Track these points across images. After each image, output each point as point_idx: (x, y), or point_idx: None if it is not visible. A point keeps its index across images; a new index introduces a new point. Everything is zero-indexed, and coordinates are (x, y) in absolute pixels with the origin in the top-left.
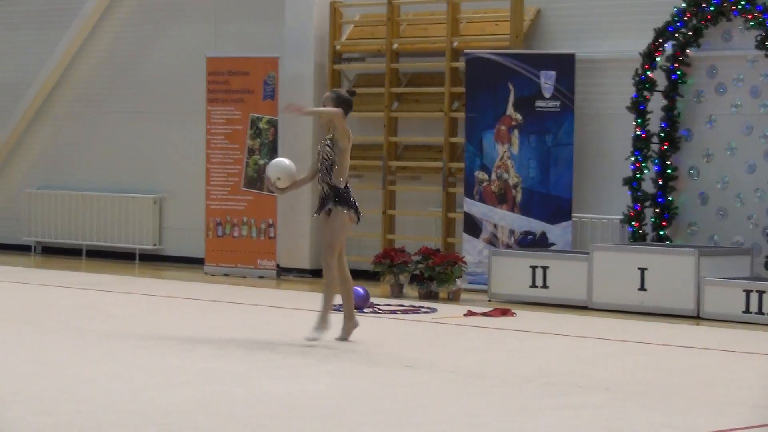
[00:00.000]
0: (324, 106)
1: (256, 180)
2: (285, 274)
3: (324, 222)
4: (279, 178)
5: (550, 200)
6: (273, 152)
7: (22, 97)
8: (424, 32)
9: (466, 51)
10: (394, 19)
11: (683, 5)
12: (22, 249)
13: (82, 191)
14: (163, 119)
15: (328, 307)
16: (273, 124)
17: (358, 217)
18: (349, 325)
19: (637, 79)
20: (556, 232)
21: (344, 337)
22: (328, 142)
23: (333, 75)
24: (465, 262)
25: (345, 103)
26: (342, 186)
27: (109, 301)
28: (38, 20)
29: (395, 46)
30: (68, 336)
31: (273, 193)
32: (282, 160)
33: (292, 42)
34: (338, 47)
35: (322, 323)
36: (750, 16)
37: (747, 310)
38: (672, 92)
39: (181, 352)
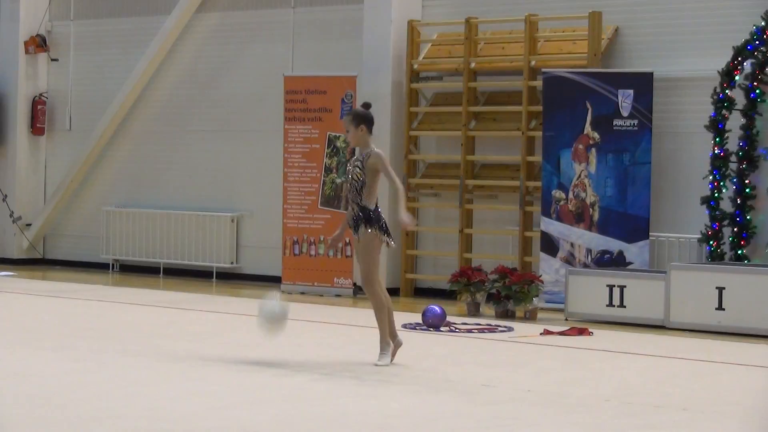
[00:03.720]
0: (346, 131)
1: (333, 198)
2: (362, 292)
3: (357, 245)
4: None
5: (627, 219)
6: None
7: (102, 115)
8: (502, 51)
9: (543, 70)
10: (471, 37)
11: (762, 24)
12: (100, 267)
13: (160, 209)
14: (241, 138)
15: (385, 329)
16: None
17: (389, 241)
18: (394, 346)
19: (715, 97)
20: (634, 251)
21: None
22: (359, 163)
23: (410, 93)
24: (542, 281)
25: (365, 119)
26: (372, 207)
27: (187, 319)
28: (120, 40)
29: (473, 64)
30: (149, 354)
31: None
32: (268, 312)
33: (370, 61)
34: (416, 66)
35: (386, 346)
36: None
37: None
38: (751, 111)
39: (260, 371)
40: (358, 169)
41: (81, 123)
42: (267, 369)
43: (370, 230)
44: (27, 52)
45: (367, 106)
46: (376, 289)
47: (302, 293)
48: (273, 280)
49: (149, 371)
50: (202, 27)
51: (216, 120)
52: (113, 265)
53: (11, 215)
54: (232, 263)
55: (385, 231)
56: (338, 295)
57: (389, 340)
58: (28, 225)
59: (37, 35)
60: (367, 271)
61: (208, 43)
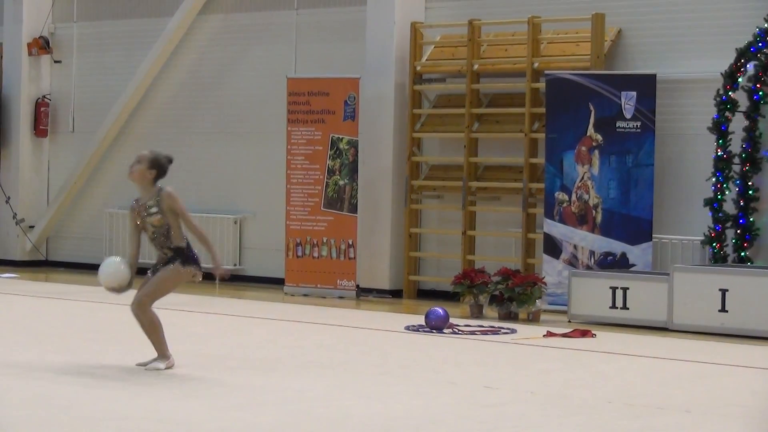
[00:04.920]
0: (136, 163)
1: (336, 201)
2: (365, 294)
3: (163, 270)
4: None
5: (630, 221)
6: (353, 173)
7: (105, 117)
8: (505, 53)
9: (546, 71)
10: (474, 39)
11: (765, 26)
12: None
13: None
14: (244, 140)
15: (165, 345)
16: (353, 144)
17: (200, 273)
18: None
19: (718, 99)
20: (636, 253)
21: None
22: (152, 210)
23: (413, 95)
24: (545, 283)
25: (160, 167)
26: (185, 244)
27: (189, 320)
28: (123, 42)
29: (476, 66)
30: (151, 356)
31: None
32: (109, 268)
33: (373, 63)
34: (419, 68)
35: (164, 359)
36: None
37: None
38: (754, 113)
39: (262, 372)
40: (155, 217)
41: (84, 125)
42: (270, 371)
43: (185, 268)
44: (30, 54)
45: (170, 160)
46: (151, 309)
47: (305, 295)
48: (276, 282)
49: (152, 373)
50: (205, 29)
51: (219, 122)
52: None
53: (14, 217)
54: (235, 265)
55: (198, 264)
56: (341, 297)
57: (169, 355)
58: (31, 227)
59: (41, 37)
60: (153, 296)
61: (211, 45)
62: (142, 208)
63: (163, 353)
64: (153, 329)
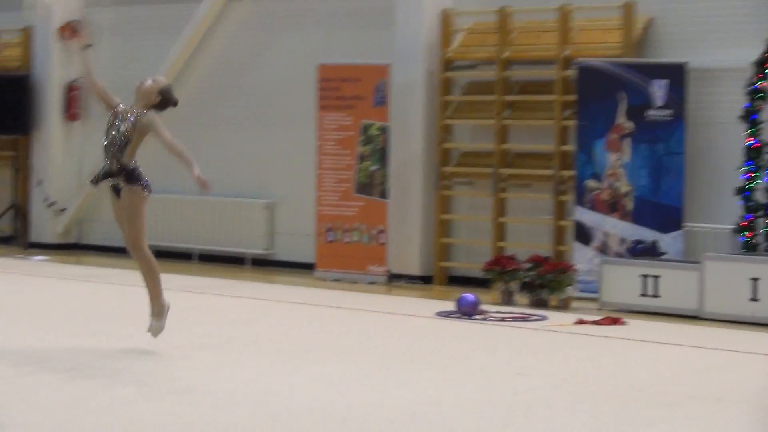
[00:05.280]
0: (153, 82)
1: (368, 186)
2: (395, 280)
3: (116, 204)
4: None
5: (661, 209)
6: (384, 158)
7: None
8: (536, 40)
9: (577, 59)
10: (505, 27)
11: None
12: None
13: (193, 196)
14: (275, 125)
15: (160, 291)
16: (384, 130)
17: (150, 190)
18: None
19: (749, 88)
20: (668, 241)
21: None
22: (131, 120)
23: (443, 82)
24: (576, 270)
25: (167, 97)
26: (132, 167)
27: (220, 304)
28: (153, 26)
29: (506, 54)
30: (181, 339)
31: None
32: None
33: (403, 49)
34: (449, 55)
35: (162, 308)
36: None
37: None
38: None
39: (292, 357)
40: (129, 125)
41: None
42: (300, 356)
43: (135, 188)
44: (61, 38)
45: (175, 103)
46: (147, 251)
47: (336, 280)
48: (307, 267)
49: (183, 356)
50: (236, 14)
51: (249, 107)
52: None
53: (46, 200)
54: (265, 250)
55: (145, 184)
56: (372, 283)
57: (164, 301)
58: (63, 210)
59: (71, 21)
60: (136, 233)
61: (241, 30)
62: (122, 113)
63: (157, 298)
64: (150, 272)
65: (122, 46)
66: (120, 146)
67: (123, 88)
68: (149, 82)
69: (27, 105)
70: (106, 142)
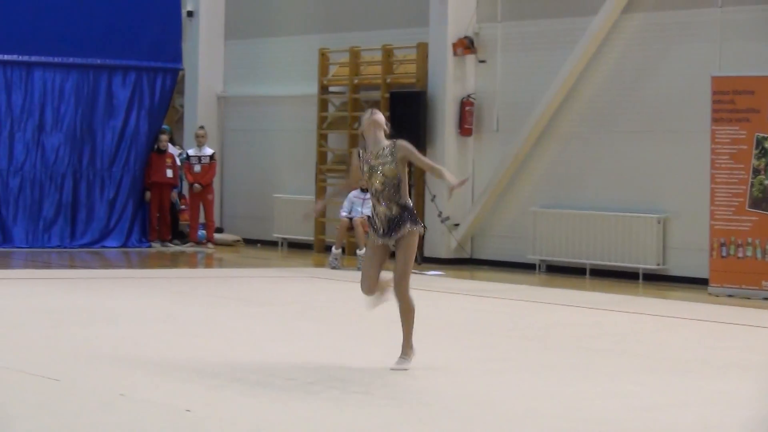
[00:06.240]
0: (376, 114)
1: (762, 200)
2: None
3: (379, 248)
4: None
5: None
6: None
7: (529, 116)
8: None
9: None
10: None
11: None
12: (527, 267)
13: (585, 210)
14: (667, 138)
15: (411, 333)
16: None
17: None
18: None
19: None
20: None
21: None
22: (388, 156)
23: None
24: None
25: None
26: (410, 204)
27: (612, 320)
28: (546, 41)
29: None
30: (572, 354)
31: None
32: None
33: None
34: None
35: (407, 350)
36: None
37: None
38: None
39: (682, 373)
40: (389, 166)
41: (508, 124)
42: (692, 372)
43: (414, 228)
44: (455, 54)
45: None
46: (409, 293)
47: (730, 296)
48: (700, 282)
49: (572, 371)
50: (628, 27)
51: (641, 120)
52: (539, 265)
53: (439, 215)
54: (658, 264)
55: (421, 223)
56: (766, 299)
57: (413, 344)
58: (456, 225)
59: (465, 37)
60: (407, 272)
61: (632, 43)
62: (372, 156)
63: (407, 341)
64: (407, 315)
65: (515, 61)
66: (394, 187)
67: (517, 103)
68: (376, 115)
69: (422, 120)
70: (374, 189)
